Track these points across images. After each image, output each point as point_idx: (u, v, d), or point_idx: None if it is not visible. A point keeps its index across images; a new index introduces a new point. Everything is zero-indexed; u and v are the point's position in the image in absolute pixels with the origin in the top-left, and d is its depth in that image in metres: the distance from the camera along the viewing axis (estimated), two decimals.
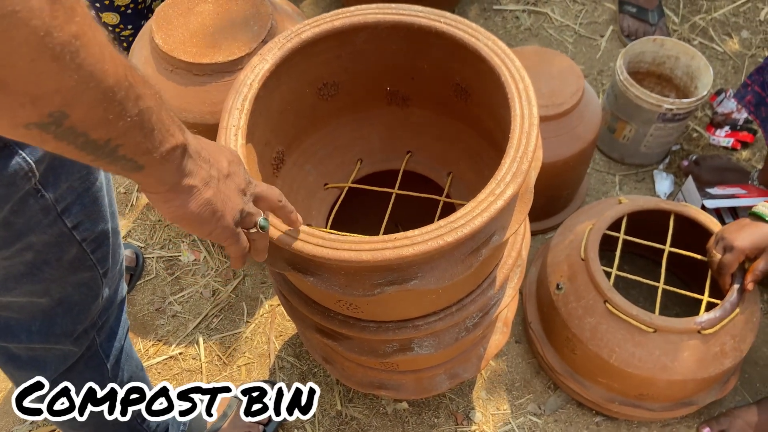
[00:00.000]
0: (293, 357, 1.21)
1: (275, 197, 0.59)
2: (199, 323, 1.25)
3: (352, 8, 0.78)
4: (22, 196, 0.55)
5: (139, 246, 1.35)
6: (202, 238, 0.55)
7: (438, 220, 0.88)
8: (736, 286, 0.98)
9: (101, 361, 0.77)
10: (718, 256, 0.98)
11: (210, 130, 1.04)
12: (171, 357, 1.22)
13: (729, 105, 1.53)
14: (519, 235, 0.84)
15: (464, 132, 0.91)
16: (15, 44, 0.31)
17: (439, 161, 0.94)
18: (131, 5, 1.31)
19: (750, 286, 0.97)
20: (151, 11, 1.44)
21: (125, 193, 1.45)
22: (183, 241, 1.36)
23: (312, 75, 0.83)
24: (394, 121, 0.94)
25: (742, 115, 1.51)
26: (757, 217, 0.98)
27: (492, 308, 0.85)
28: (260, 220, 0.57)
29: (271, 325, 1.25)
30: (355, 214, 1.03)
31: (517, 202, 0.71)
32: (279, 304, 1.28)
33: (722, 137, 1.51)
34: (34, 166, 0.53)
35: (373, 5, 0.78)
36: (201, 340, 1.23)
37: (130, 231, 1.38)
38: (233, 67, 1.02)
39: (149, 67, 1.05)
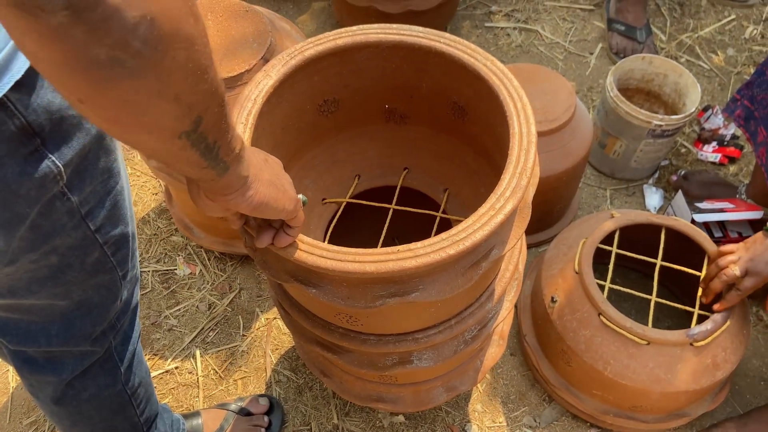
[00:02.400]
0: (289, 371, 1.21)
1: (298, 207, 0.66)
2: (195, 337, 1.25)
3: (354, 28, 0.80)
4: (49, 198, 0.56)
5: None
6: (277, 218, 0.60)
7: (434, 234, 0.90)
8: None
9: (115, 365, 0.78)
10: (736, 273, 0.95)
11: None
12: (167, 371, 1.22)
13: (716, 121, 1.57)
14: (516, 249, 0.86)
15: (461, 149, 0.92)
16: (191, 64, 0.36)
17: (436, 178, 0.96)
18: None
19: None
20: None
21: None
22: (179, 255, 1.36)
23: (313, 91, 0.85)
24: (391, 137, 0.96)
25: (729, 131, 1.55)
26: None
27: (490, 321, 0.86)
28: (300, 196, 0.62)
29: (268, 338, 1.25)
30: (353, 228, 1.04)
31: (515, 217, 0.73)
32: (275, 318, 1.28)
33: (710, 153, 1.54)
34: (62, 169, 0.55)
35: (375, 25, 0.80)
36: (197, 353, 1.23)
37: None
38: (233, 83, 1.03)
39: None
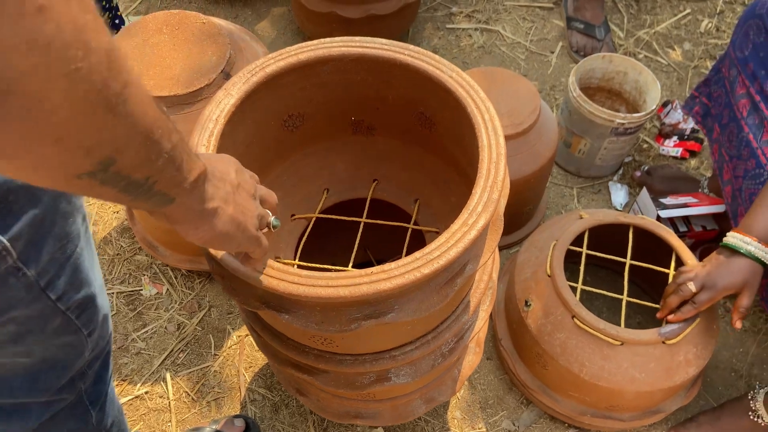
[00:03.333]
0: (264, 388, 1.19)
1: (274, 200, 0.63)
2: (165, 359, 1.22)
3: (315, 42, 0.78)
4: (1, 275, 0.52)
5: (99, 265, 1.30)
6: (231, 251, 0.59)
7: (407, 246, 0.89)
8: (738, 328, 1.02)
9: (86, 408, 0.74)
10: (692, 289, 0.97)
11: None
12: (137, 397, 1.18)
13: (675, 116, 1.60)
14: (489, 259, 0.85)
15: (429, 160, 0.91)
16: (75, 100, 0.31)
17: (406, 189, 0.94)
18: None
19: (738, 324, 0.96)
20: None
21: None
22: (144, 275, 1.32)
23: (277, 107, 0.83)
24: (359, 150, 0.94)
25: (689, 125, 1.58)
26: (730, 250, 0.96)
27: (466, 333, 0.85)
28: (272, 220, 0.60)
29: (240, 356, 1.23)
30: (324, 243, 1.02)
31: (488, 230, 0.72)
32: (247, 334, 1.25)
33: (671, 147, 1.57)
34: (8, 244, 0.51)
35: (337, 38, 0.78)
36: (168, 377, 1.20)
37: None
38: (193, 98, 1.00)
39: None
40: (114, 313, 1.27)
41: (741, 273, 0.94)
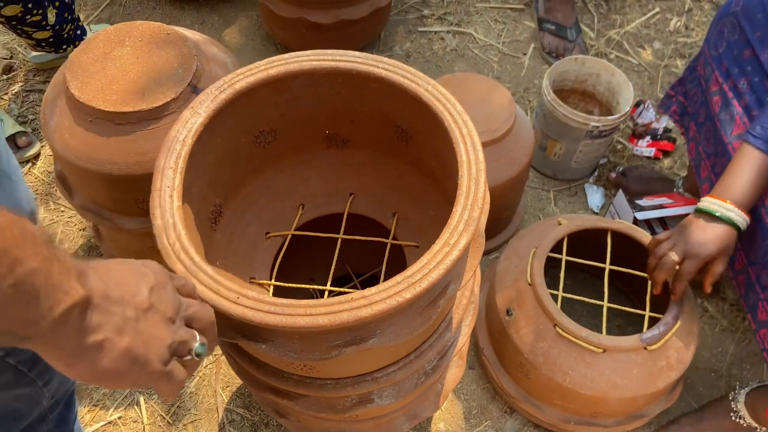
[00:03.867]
0: (243, 408, 1.16)
1: (208, 318, 0.53)
2: None
3: (286, 56, 0.76)
4: None
5: None
6: (128, 389, 0.52)
7: (386, 261, 0.87)
8: (675, 302, 1.02)
9: None
10: (675, 259, 0.96)
11: (138, 181, 0.98)
12: (110, 422, 1.13)
13: (648, 116, 1.60)
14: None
15: (406, 172, 0.89)
16: None
17: (383, 202, 0.92)
18: None
19: (709, 288, 0.96)
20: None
21: None
22: None
23: (248, 124, 0.80)
24: (334, 163, 0.91)
25: (661, 125, 1.58)
26: (708, 215, 0.95)
27: (449, 350, 0.84)
28: (196, 346, 0.49)
29: (217, 376, 1.19)
30: (301, 259, 1.00)
31: (469, 248, 0.70)
32: (223, 353, 1.22)
33: (645, 147, 1.57)
34: None
35: (309, 52, 0.76)
36: (142, 400, 1.16)
37: None
38: (159, 113, 0.96)
39: (66, 119, 0.98)
40: None
41: (721, 239, 0.93)
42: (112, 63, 0.99)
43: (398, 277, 0.61)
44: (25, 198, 0.64)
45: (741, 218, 0.93)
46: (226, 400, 1.16)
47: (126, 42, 1.02)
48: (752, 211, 0.98)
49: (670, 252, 0.97)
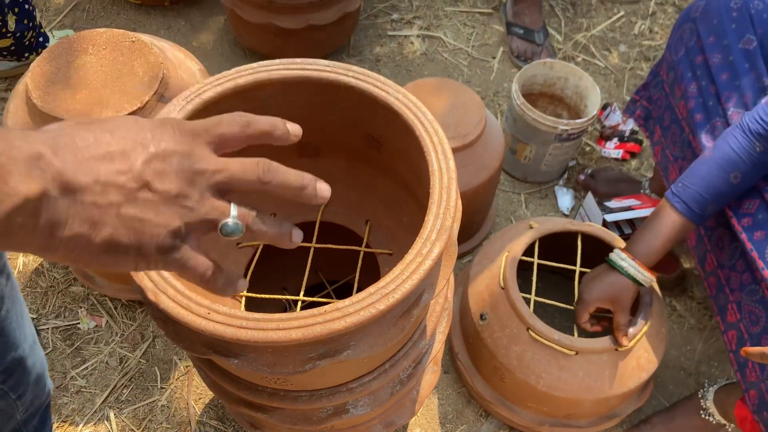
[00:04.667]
0: (216, 420, 1.14)
1: (258, 177, 0.42)
2: (108, 396, 1.15)
3: (255, 65, 0.75)
4: None
5: (30, 317, 1.22)
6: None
7: (359, 269, 0.87)
8: (644, 302, 1.03)
9: None
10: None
11: None
12: None
13: (615, 118, 1.63)
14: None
15: (379, 180, 0.89)
16: None
17: (356, 210, 0.92)
18: None
19: (625, 341, 0.99)
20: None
21: (9, 258, 1.31)
22: (81, 307, 1.25)
23: None
24: (306, 171, 0.90)
25: (628, 127, 1.61)
26: (609, 265, 1.00)
27: (424, 357, 0.84)
28: (228, 222, 0.40)
29: (189, 388, 1.17)
30: (273, 268, 0.99)
31: (442, 257, 0.70)
32: (194, 367, 1.20)
33: (612, 149, 1.60)
34: None
35: (277, 61, 0.75)
36: (112, 415, 1.13)
37: None
38: None
39: (27, 128, 0.95)
40: (50, 350, 1.19)
41: (611, 287, 0.99)
42: (76, 72, 0.97)
43: (371, 288, 0.60)
44: None
45: (640, 274, 0.98)
46: (199, 413, 1.15)
47: (90, 50, 0.99)
48: (719, 215, 1.00)
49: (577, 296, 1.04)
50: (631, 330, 1.01)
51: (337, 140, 0.86)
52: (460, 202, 0.72)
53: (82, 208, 0.34)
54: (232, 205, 0.41)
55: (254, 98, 0.77)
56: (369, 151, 0.86)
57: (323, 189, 0.48)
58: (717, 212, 0.97)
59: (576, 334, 1.03)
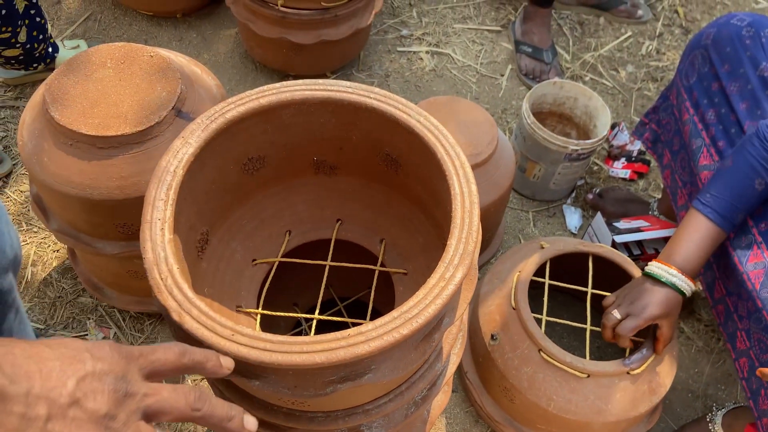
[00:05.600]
0: None
1: (187, 405, 0.45)
2: None
3: (278, 85, 0.75)
4: None
5: (38, 328, 1.22)
6: None
7: (374, 289, 0.87)
8: (658, 324, 1.04)
9: None
10: (617, 317, 0.99)
11: (119, 206, 0.96)
12: None
13: (623, 138, 1.64)
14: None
15: (394, 199, 0.89)
16: None
17: (371, 228, 0.92)
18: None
19: (661, 351, 1.00)
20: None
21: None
22: (89, 318, 1.25)
23: (237, 152, 0.79)
24: (321, 189, 0.91)
25: (636, 147, 1.62)
26: (652, 279, 0.99)
27: (439, 379, 0.83)
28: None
29: None
30: (286, 283, 0.99)
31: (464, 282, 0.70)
32: (203, 378, 1.19)
33: (620, 169, 1.61)
34: None
35: (299, 81, 0.75)
36: None
37: (27, 311, 1.24)
38: (142, 137, 0.95)
39: (45, 142, 0.95)
40: None
41: (664, 303, 0.97)
42: (94, 85, 0.97)
43: (394, 313, 0.61)
44: (8, 242, 0.62)
45: (685, 284, 0.97)
46: (205, 428, 1.14)
47: (108, 64, 1.00)
48: (722, 246, 1.01)
49: (613, 311, 1.00)
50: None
51: (354, 159, 0.87)
52: (480, 226, 0.72)
53: (8, 417, 0.35)
54: (150, 429, 0.43)
55: (275, 118, 0.78)
56: (386, 170, 0.86)
57: (250, 422, 0.50)
58: (743, 220, 0.98)
59: (588, 356, 1.03)
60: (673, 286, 0.97)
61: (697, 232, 0.96)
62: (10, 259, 0.60)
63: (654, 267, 0.99)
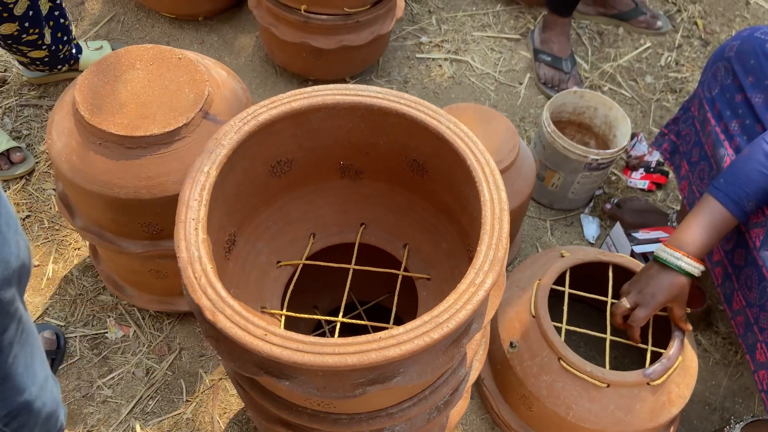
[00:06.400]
0: None
1: None
2: (134, 407, 1.15)
3: (309, 89, 0.76)
4: None
5: (59, 325, 1.23)
6: None
7: (398, 293, 0.87)
8: (677, 336, 1.03)
9: None
10: (627, 305, 1.01)
11: (145, 205, 0.97)
12: None
13: (641, 148, 1.64)
14: None
15: (419, 204, 0.90)
16: None
17: (394, 233, 0.92)
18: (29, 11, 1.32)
19: (689, 327, 1.02)
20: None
21: (38, 265, 1.32)
22: (109, 316, 1.26)
23: (267, 154, 0.80)
24: (347, 193, 0.92)
25: (654, 158, 1.62)
26: (660, 263, 1.01)
27: (462, 385, 0.84)
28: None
29: (214, 402, 1.17)
30: (307, 284, 0.99)
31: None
32: (221, 378, 1.20)
33: (638, 179, 1.60)
34: None
35: (331, 86, 0.76)
36: (137, 426, 1.13)
37: (47, 308, 1.26)
38: (169, 138, 0.96)
39: (73, 140, 0.96)
40: (77, 358, 1.20)
41: (672, 287, 0.99)
42: (123, 86, 0.99)
43: (425, 317, 0.61)
44: (15, 252, 0.62)
45: (692, 267, 0.98)
46: (224, 427, 1.15)
47: (137, 65, 1.01)
48: (747, 253, 1.01)
49: (623, 299, 1.03)
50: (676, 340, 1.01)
51: (380, 164, 0.87)
52: (509, 232, 0.72)
53: None
54: None
55: (305, 122, 0.78)
56: (412, 175, 0.87)
57: None
58: (757, 209, 0.99)
59: (607, 365, 1.03)
60: (680, 270, 0.98)
61: (706, 216, 0.98)
62: (15, 270, 0.60)
63: (661, 251, 1.01)
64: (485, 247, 0.65)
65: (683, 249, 0.98)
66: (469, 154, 0.72)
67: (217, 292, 0.61)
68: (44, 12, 1.39)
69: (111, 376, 1.19)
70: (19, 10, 1.29)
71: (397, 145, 0.83)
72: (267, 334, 0.59)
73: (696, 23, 2.01)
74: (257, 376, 0.64)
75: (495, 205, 0.68)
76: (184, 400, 1.17)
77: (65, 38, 1.48)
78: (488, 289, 0.63)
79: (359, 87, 0.77)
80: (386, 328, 0.65)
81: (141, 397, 1.17)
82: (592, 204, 1.56)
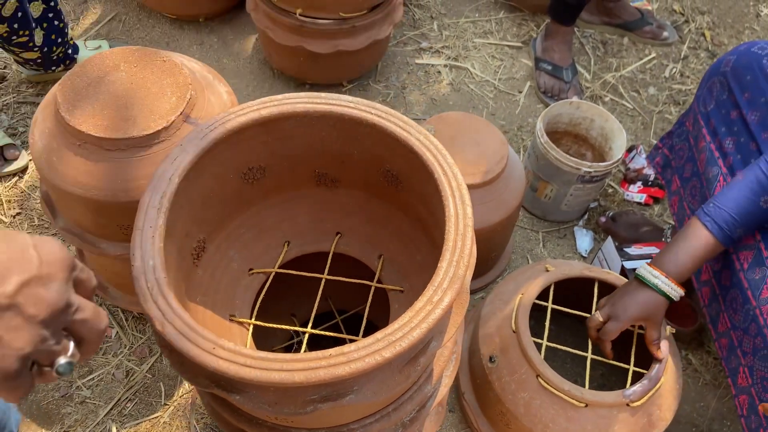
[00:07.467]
0: None
1: (98, 329, 0.43)
2: (111, 409, 1.15)
3: (279, 97, 0.75)
4: None
5: None
6: None
7: (369, 305, 0.86)
8: (659, 359, 1.01)
9: None
10: (599, 319, 1.00)
11: (123, 208, 0.97)
12: None
13: (640, 161, 1.61)
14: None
15: (394, 215, 0.89)
16: None
17: (370, 243, 0.91)
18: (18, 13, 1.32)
19: (660, 354, 1.00)
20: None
21: None
22: None
23: (237, 161, 0.79)
24: (322, 202, 0.91)
25: (652, 171, 1.59)
26: (639, 281, 0.99)
27: (429, 401, 0.82)
28: (61, 363, 0.40)
29: (192, 406, 1.17)
30: (283, 294, 0.98)
31: (453, 305, 0.69)
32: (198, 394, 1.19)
33: (635, 193, 1.58)
34: None
35: (302, 94, 0.75)
36: (114, 428, 1.13)
37: None
38: (149, 141, 0.95)
39: (54, 141, 0.96)
40: None
41: (647, 305, 0.97)
42: (106, 87, 0.98)
43: (378, 335, 0.60)
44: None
45: (671, 288, 0.96)
46: None
47: (121, 67, 1.01)
48: (732, 274, 0.99)
49: (596, 312, 1.02)
50: (663, 346, 1.00)
51: (356, 173, 0.86)
52: (475, 248, 0.71)
53: None
54: (71, 343, 0.42)
55: (277, 129, 0.77)
56: (387, 186, 0.85)
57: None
58: (745, 236, 0.97)
59: (587, 385, 1.01)
60: (656, 289, 0.96)
61: (692, 241, 0.96)
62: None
63: (642, 269, 0.99)
64: (446, 264, 0.64)
65: (664, 270, 0.96)
66: (437, 167, 0.71)
67: (168, 303, 0.60)
68: (38, 14, 1.40)
69: (91, 376, 1.18)
70: (7, 12, 1.29)
71: (371, 156, 0.82)
72: (215, 347, 0.58)
73: (704, 34, 1.98)
74: (208, 389, 0.63)
75: (459, 220, 0.67)
76: (162, 403, 1.17)
77: (59, 40, 1.48)
78: (446, 307, 0.61)
79: (331, 96, 0.76)
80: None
81: (119, 399, 1.16)
82: (586, 216, 1.53)
